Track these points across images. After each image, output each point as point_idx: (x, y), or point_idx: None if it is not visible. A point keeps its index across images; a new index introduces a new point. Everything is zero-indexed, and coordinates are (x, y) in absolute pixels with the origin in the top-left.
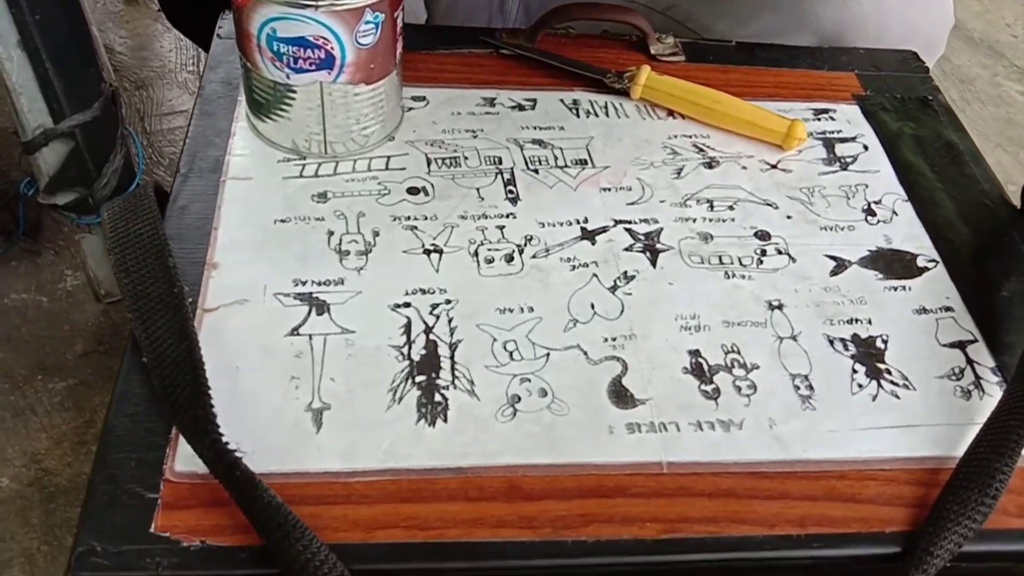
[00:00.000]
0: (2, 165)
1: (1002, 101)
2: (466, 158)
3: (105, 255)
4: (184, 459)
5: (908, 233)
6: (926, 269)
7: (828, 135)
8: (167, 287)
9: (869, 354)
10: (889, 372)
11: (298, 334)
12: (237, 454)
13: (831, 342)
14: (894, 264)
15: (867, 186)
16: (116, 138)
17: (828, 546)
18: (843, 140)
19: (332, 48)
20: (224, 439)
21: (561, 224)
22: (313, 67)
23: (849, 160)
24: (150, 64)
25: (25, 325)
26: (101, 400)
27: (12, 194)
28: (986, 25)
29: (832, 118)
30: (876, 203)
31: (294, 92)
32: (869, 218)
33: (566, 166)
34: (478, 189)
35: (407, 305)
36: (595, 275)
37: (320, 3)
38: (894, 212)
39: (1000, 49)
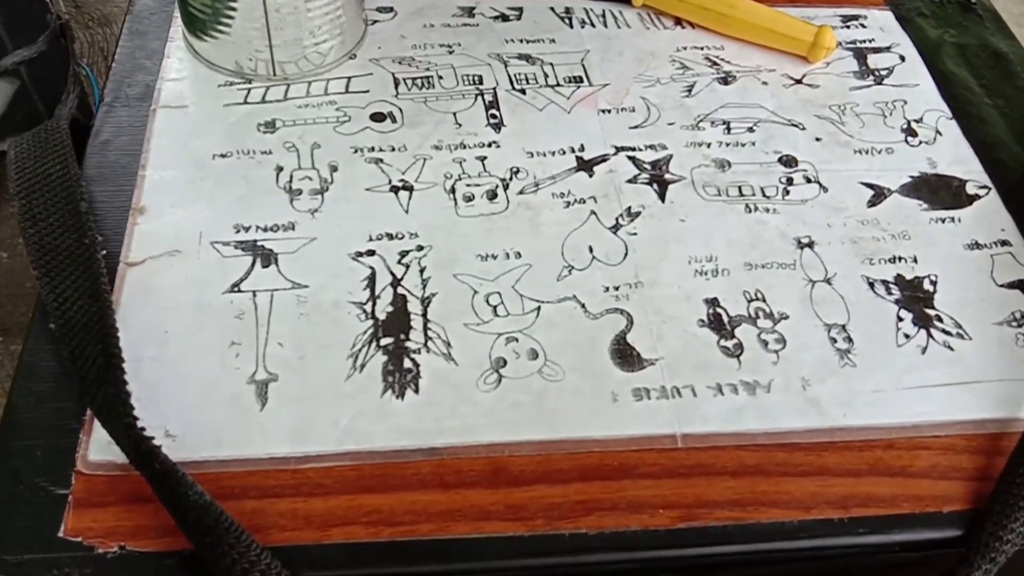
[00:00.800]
0: None
1: None
2: (440, 78)
3: (15, 204)
4: (99, 447)
5: (955, 155)
6: (977, 197)
7: (859, 44)
8: (78, 237)
9: (916, 298)
10: (940, 319)
11: (239, 290)
12: (160, 440)
13: (871, 285)
14: (940, 191)
15: (906, 102)
16: (68, 76)
17: (876, 531)
18: (876, 50)
19: None
20: (140, 423)
21: (553, 153)
22: None
23: (884, 73)
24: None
25: None
26: None
27: None
28: None
29: (863, 25)
30: (917, 121)
31: (235, 3)
32: (910, 139)
33: (558, 85)
34: (455, 114)
35: (371, 253)
36: (593, 212)
37: None
38: (937, 131)
39: None
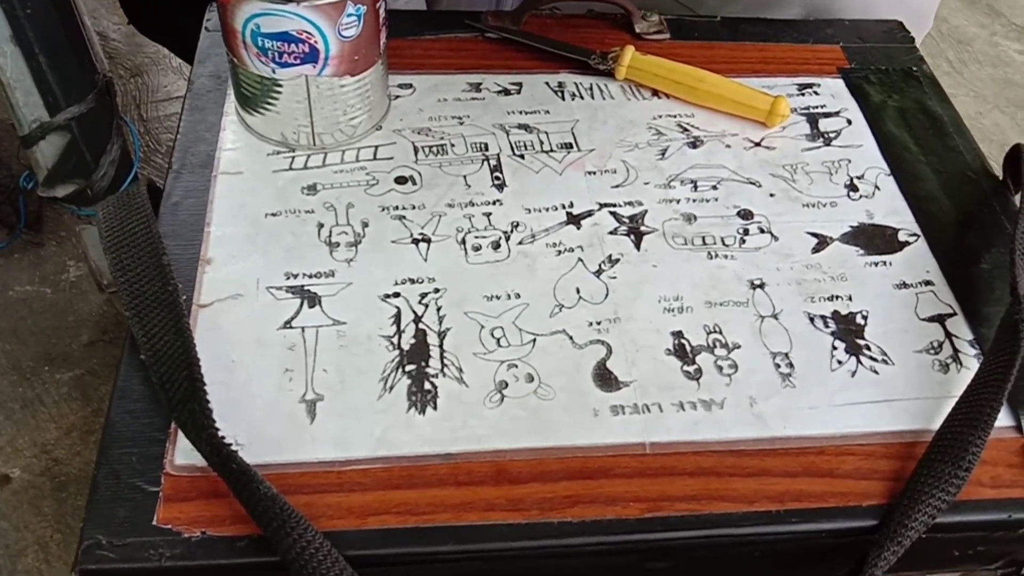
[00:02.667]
0: (4, 157)
1: (1000, 61)
2: (452, 145)
3: (104, 253)
4: (183, 453)
5: (890, 207)
6: (907, 243)
7: (812, 110)
8: (162, 285)
9: (849, 330)
10: (868, 348)
11: (291, 327)
12: (233, 447)
13: (811, 319)
14: (876, 239)
15: (850, 161)
16: (112, 128)
17: (806, 520)
18: (827, 115)
19: (316, 42)
20: (220, 433)
21: (547, 209)
22: (298, 61)
23: (832, 135)
24: (144, 50)
25: (31, 317)
26: (107, 389)
27: (13, 187)
28: None
29: (816, 92)
30: (859, 178)
31: (280, 86)
32: (851, 193)
33: (552, 150)
34: (465, 176)
35: (396, 295)
36: (580, 259)
37: None
38: (876, 187)
39: (998, 7)
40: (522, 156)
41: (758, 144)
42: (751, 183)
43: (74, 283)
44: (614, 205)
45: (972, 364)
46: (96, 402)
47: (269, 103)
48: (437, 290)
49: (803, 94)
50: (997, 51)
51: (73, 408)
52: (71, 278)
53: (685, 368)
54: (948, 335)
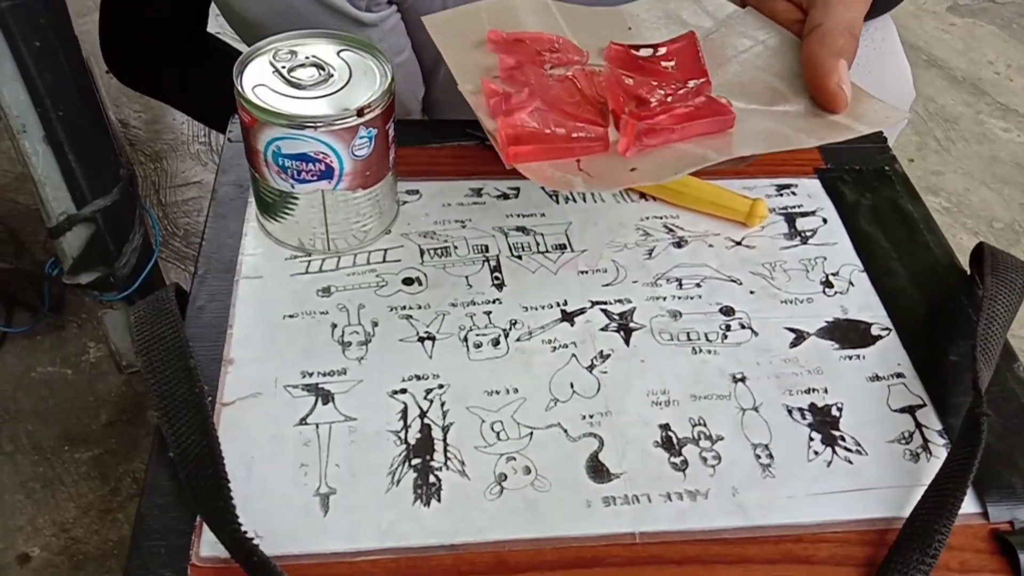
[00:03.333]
0: (27, 243)
1: (985, 138)
2: (456, 247)
3: (135, 356)
4: (208, 545)
5: (863, 303)
6: (880, 337)
7: (790, 210)
8: (189, 387)
9: (825, 422)
10: (843, 439)
11: (306, 423)
12: (254, 541)
13: (789, 412)
14: (850, 334)
15: (826, 258)
16: (135, 218)
17: None
18: (804, 214)
19: (331, 161)
20: (243, 528)
21: (543, 307)
22: (315, 178)
23: (809, 234)
24: (163, 137)
25: (52, 397)
26: (125, 468)
27: (38, 273)
28: (968, 63)
29: (794, 193)
30: (834, 275)
31: (298, 198)
32: (827, 290)
33: (547, 251)
34: (467, 277)
35: (403, 391)
36: (574, 355)
37: (319, 124)
38: (851, 283)
39: (983, 87)
40: (520, 257)
41: (739, 243)
42: (732, 281)
43: (94, 364)
44: (605, 303)
45: (941, 453)
46: (114, 481)
47: (287, 212)
48: (441, 386)
49: (781, 194)
50: (983, 129)
51: (92, 487)
52: (91, 359)
53: (672, 460)
54: (918, 426)
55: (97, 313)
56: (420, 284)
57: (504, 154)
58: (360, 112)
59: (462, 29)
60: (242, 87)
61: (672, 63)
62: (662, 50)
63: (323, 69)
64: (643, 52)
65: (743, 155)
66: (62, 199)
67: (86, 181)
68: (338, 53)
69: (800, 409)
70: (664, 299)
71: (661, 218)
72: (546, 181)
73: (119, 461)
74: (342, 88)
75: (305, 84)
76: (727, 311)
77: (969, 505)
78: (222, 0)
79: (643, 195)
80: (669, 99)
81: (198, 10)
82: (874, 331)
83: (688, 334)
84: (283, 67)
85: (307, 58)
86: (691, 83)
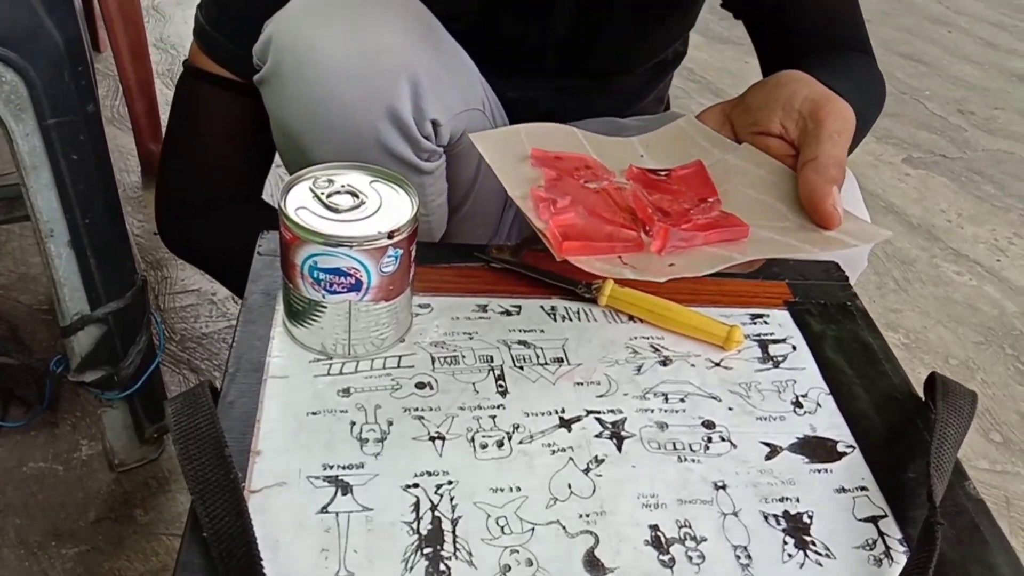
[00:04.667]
0: (26, 341)
1: (940, 281)
2: (464, 357)
3: (175, 447)
4: None
5: (830, 423)
6: (845, 454)
7: (763, 337)
8: (224, 473)
9: (797, 528)
10: (814, 543)
11: (327, 512)
12: None
13: (766, 518)
14: (818, 449)
15: (795, 381)
16: (143, 322)
17: None
18: (775, 341)
19: (361, 276)
20: None
21: (543, 414)
22: (344, 290)
23: (780, 359)
24: (164, 247)
25: (41, 492)
26: (111, 566)
27: (41, 371)
28: (923, 211)
29: (766, 322)
30: (803, 396)
31: (325, 307)
32: (797, 409)
33: (546, 363)
34: (474, 384)
35: (416, 486)
36: (571, 458)
37: (354, 243)
38: (818, 404)
39: (936, 233)
40: (521, 367)
41: (718, 364)
42: (713, 398)
43: (85, 462)
44: (599, 412)
45: (901, 559)
46: None
47: (314, 319)
48: (450, 482)
49: (755, 323)
50: (937, 272)
51: None
52: (83, 457)
53: (661, 557)
54: (881, 534)
55: (90, 412)
56: (431, 388)
57: (557, 247)
58: (391, 235)
59: (508, 146)
60: (286, 208)
61: (685, 185)
62: (675, 174)
63: (357, 196)
64: (659, 175)
65: (761, 258)
66: (78, 300)
67: (103, 284)
68: (370, 183)
69: (775, 515)
70: (652, 411)
71: (648, 338)
72: (596, 271)
73: (105, 558)
74: (374, 213)
75: (341, 209)
76: (708, 424)
77: None
78: (288, 141)
79: (631, 317)
80: (689, 211)
81: (261, 179)
82: (840, 448)
83: (674, 444)
84: (322, 193)
85: (343, 186)
86: (704, 202)
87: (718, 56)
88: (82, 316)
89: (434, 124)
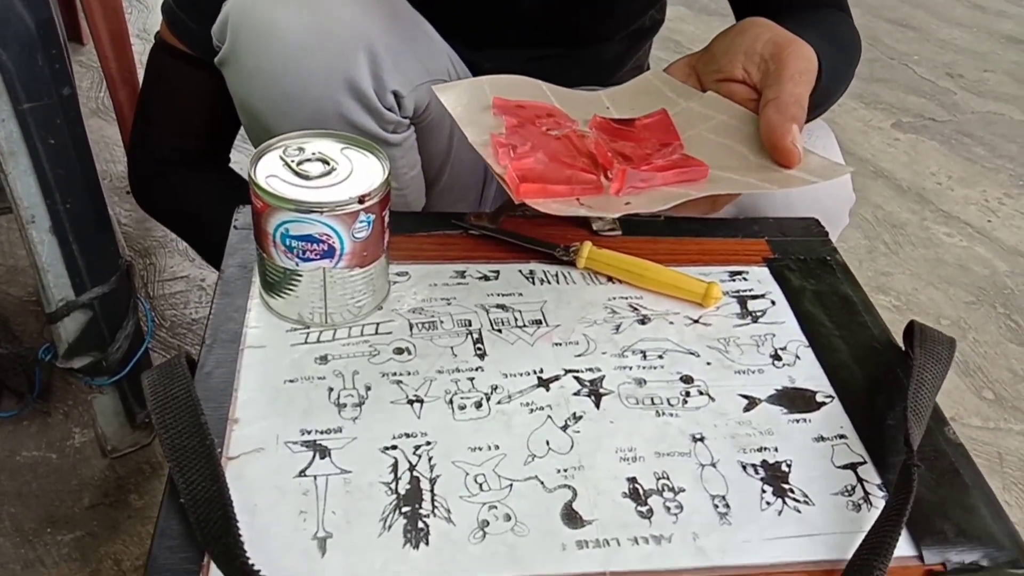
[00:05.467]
0: (17, 332)
1: (931, 243)
2: (442, 322)
3: (152, 418)
4: None
5: (809, 374)
6: (824, 404)
7: (742, 293)
8: (200, 440)
9: (775, 476)
10: (792, 491)
11: (305, 475)
12: (262, 574)
13: (744, 467)
14: (797, 400)
15: (774, 335)
16: (129, 307)
17: None
18: (754, 297)
19: (333, 242)
20: (251, 562)
21: (521, 375)
22: (318, 257)
23: (759, 314)
24: (152, 234)
25: (36, 480)
26: (107, 550)
27: (30, 359)
28: (913, 174)
29: (745, 279)
30: (782, 349)
31: (300, 276)
32: (776, 362)
33: (524, 326)
34: (452, 348)
35: (394, 448)
36: (549, 416)
37: (324, 209)
38: (797, 356)
39: (926, 195)
40: (500, 331)
41: (696, 321)
42: (691, 354)
43: (78, 449)
44: (577, 371)
45: (880, 504)
46: (95, 563)
47: (290, 289)
48: (429, 443)
49: (734, 280)
50: (928, 234)
51: (72, 568)
52: (76, 444)
53: (639, 508)
54: (859, 480)
55: (82, 400)
56: (409, 353)
57: (514, 190)
58: (361, 199)
59: (471, 96)
60: (256, 176)
61: (648, 132)
62: (639, 122)
63: (327, 163)
64: (624, 124)
65: (718, 193)
66: (63, 286)
67: (87, 269)
68: (341, 150)
69: (753, 465)
70: (630, 368)
71: (627, 298)
72: (551, 211)
73: (100, 543)
74: (345, 179)
75: (311, 175)
76: (687, 379)
77: (907, 549)
78: (251, 118)
79: (610, 278)
80: (651, 156)
81: (226, 145)
82: (819, 398)
83: (652, 399)
84: (292, 161)
85: (313, 154)
86: (666, 147)
87: (704, 27)
88: (67, 302)
89: (396, 95)
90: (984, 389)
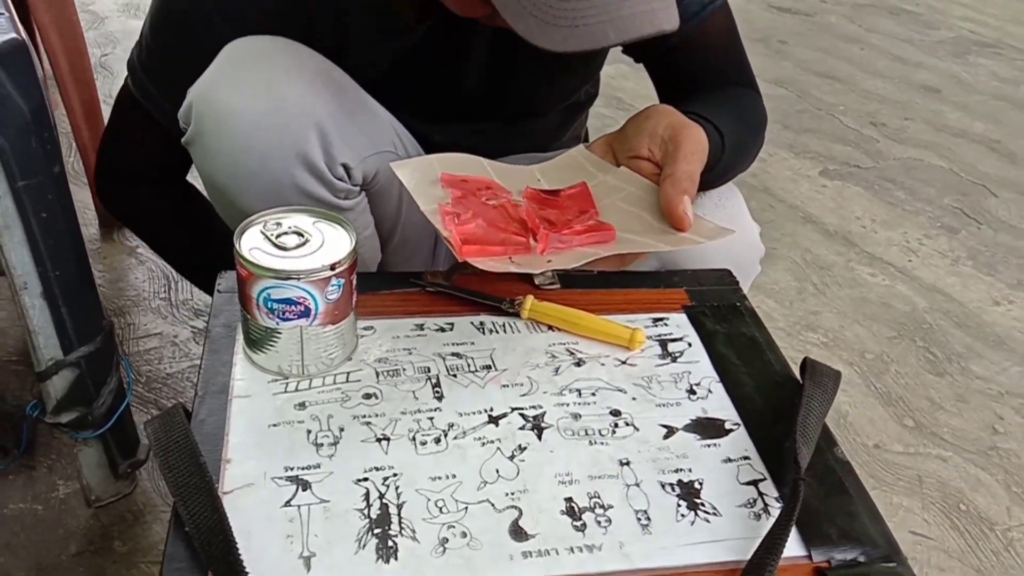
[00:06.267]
0: (2, 391)
1: (856, 283)
2: (404, 369)
3: (156, 460)
4: None
5: (719, 405)
6: (731, 430)
7: (663, 337)
8: (200, 477)
9: (689, 493)
10: (703, 505)
11: (290, 505)
12: None
13: (663, 486)
14: (709, 428)
15: (690, 372)
16: (113, 364)
17: None
18: (674, 340)
19: (309, 304)
20: None
21: (474, 413)
22: (295, 317)
23: (678, 354)
24: (126, 293)
25: (23, 531)
26: None
27: (18, 416)
28: (839, 219)
29: (666, 324)
30: (697, 385)
31: (280, 333)
32: (691, 396)
33: (476, 371)
34: (414, 392)
35: (366, 480)
36: (498, 448)
37: (301, 276)
38: (709, 391)
39: (852, 239)
40: (455, 376)
41: (624, 362)
42: (619, 390)
43: (63, 500)
44: (522, 408)
45: (776, 512)
46: None
47: (271, 345)
48: (395, 474)
49: (656, 325)
50: (853, 275)
51: None
52: (60, 495)
53: (574, 523)
54: (760, 494)
55: (66, 453)
56: (377, 398)
57: (458, 251)
58: (332, 266)
59: (423, 172)
60: (240, 249)
61: (571, 202)
62: (563, 193)
63: (302, 235)
64: (551, 194)
65: (622, 252)
66: (52, 346)
67: (74, 330)
68: (313, 224)
69: (671, 484)
70: (568, 404)
71: (565, 344)
72: (489, 268)
73: None
74: (318, 249)
75: (288, 247)
76: (615, 412)
77: (798, 549)
78: (217, 192)
79: (551, 327)
80: (571, 222)
81: (186, 166)
82: (727, 426)
83: (586, 430)
84: (272, 234)
85: (290, 228)
86: (584, 214)
87: (644, 83)
88: (56, 361)
89: (345, 167)
90: (905, 417)
